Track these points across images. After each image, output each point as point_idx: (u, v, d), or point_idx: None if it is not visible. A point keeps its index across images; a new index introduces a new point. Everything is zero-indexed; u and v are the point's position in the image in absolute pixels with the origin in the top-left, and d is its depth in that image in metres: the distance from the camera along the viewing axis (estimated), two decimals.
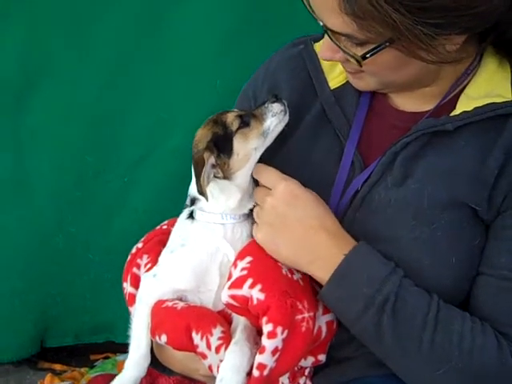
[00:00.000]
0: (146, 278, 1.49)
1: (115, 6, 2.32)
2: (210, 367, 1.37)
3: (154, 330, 1.43)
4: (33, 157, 2.49)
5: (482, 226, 1.40)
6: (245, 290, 1.35)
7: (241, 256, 1.41)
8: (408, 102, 1.49)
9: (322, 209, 1.41)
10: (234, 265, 1.41)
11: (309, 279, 1.44)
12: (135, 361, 1.44)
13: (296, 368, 1.44)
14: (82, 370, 2.70)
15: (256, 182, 1.50)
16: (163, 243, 1.54)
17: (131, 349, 1.45)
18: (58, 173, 2.50)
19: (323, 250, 1.37)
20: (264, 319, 1.32)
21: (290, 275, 1.40)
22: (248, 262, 1.39)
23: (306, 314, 1.36)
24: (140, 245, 1.61)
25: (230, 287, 1.37)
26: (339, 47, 1.33)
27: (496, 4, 1.26)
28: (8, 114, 2.44)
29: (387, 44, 1.27)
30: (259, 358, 1.31)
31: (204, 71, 2.38)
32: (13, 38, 2.34)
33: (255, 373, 1.31)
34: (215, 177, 1.42)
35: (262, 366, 1.31)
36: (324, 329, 1.42)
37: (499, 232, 1.38)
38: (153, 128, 2.47)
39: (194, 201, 1.49)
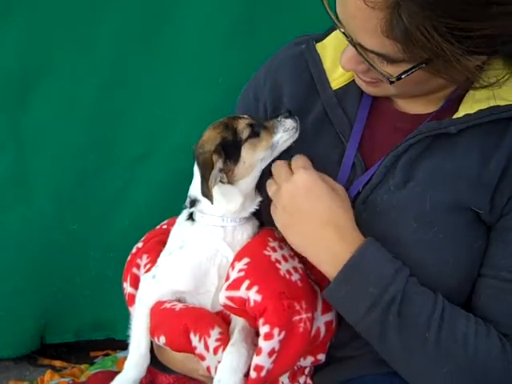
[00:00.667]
0: (145, 280, 1.49)
1: (116, 4, 2.32)
2: (208, 368, 1.38)
3: (153, 331, 1.44)
4: (33, 155, 2.49)
5: (485, 228, 1.40)
6: (242, 292, 1.35)
7: (238, 257, 1.42)
8: (412, 105, 1.49)
9: (337, 204, 1.39)
10: (232, 266, 1.41)
11: (308, 280, 1.44)
12: (135, 361, 1.45)
13: (296, 367, 1.45)
14: (82, 366, 2.70)
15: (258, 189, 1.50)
16: (163, 243, 1.55)
17: (131, 349, 1.46)
18: (59, 170, 2.50)
19: (332, 246, 1.37)
20: (261, 321, 1.33)
21: (288, 276, 1.40)
22: (245, 264, 1.39)
23: (304, 315, 1.36)
24: (140, 244, 1.61)
25: (227, 289, 1.37)
26: (370, 65, 1.31)
27: None
28: (8, 112, 2.44)
29: (423, 65, 1.26)
30: (256, 360, 1.32)
31: (206, 69, 2.37)
32: (13, 37, 2.33)
33: (252, 374, 1.32)
34: (220, 181, 1.42)
35: (259, 368, 1.32)
36: (323, 329, 1.43)
37: (501, 234, 1.39)
38: (154, 126, 2.47)
39: (194, 202, 1.49)
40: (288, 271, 1.41)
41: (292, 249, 1.44)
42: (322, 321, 1.43)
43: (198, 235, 1.47)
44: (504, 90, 1.39)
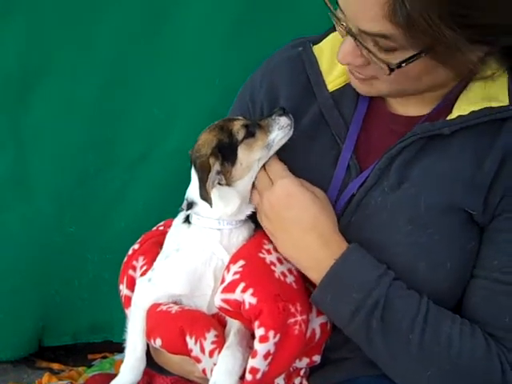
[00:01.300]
0: (141, 283, 1.49)
1: (116, 4, 2.33)
2: (204, 371, 1.38)
3: (149, 333, 1.44)
4: (33, 155, 2.49)
5: (477, 229, 1.41)
6: (237, 295, 1.35)
7: (234, 260, 1.42)
8: (406, 107, 1.50)
9: (317, 210, 1.40)
10: (227, 269, 1.41)
11: (302, 282, 1.44)
12: (131, 364, 1.45)
13: (291, 369, 1.45)
14: (80, 369, 2.70)
15: None
16: (159, 244, 1.55)
17: (127, 352, 1.46)
18: (58, 171, 2.51)
19: (315, 253, 1.39)
20: (256, 323, 1.33)
21: (282, 278, 1.40)
22: (240, 266, 1.39)
23: (299, 317, 1.36)
24: (136, 246, 1.61)
25: (222, 291, 1.38)
26: (369, 51, 1.30)
27: None
28: (8, 112, 2.45)
29: (424, 54, 1.26)
30: (252, 362, 1.32)
31: (204, 70, 2.38)
32: (13, 36, 2.35)
33: (248, 377, 1.32)
34: (219, 183, 1.42)
35: (254, 370, 1.32)
36: (318, 331, 1.43)
37: (493, 235, 1.39)
38: (153, 127, 2.48)
39: (191, 205, 1.49)
40: (283, 273, 1.41)
41: None
42: (317, 322, 1.43)
43: (194, 238, 1.47)
44: (496, 91, 1.40)
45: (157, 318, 1.43)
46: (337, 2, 1.31)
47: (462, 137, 1.39)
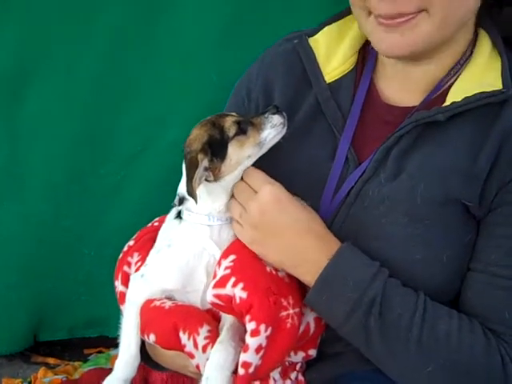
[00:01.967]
0: (134, 279, 1.50)
1: (111, 1, 2.32)
2: (197, 366, 1.39)
3: (143, 329, 1.44)
4: (28, 151, 2.48)
5: (474, 222, 1.41)
6: (228, 289, 1.36)
7: (225, 255, 1.42)
8: (399, 95, 1.50)
9: (307, 212, 1.42)
10: (219, 264, 1.41)
11: (293, 276, 1.43)
12: (125, 361, 1.45)
13: (287, 363, 1.46)
14: (76, 364, 2.70)
15: None
16: (154, 241, 1.55)
17: (121, 349, 1.47)
18: (53, 167, 2.50)
19: (310, 254, 1.38)
20: (247, 317, 1.33)
21: (274, 272, 1.41)
22: (231, 261, 1.40)
23: (291, 311, 1.37)
24: (132, 242, 1.62)
25: (214, 286, 1.38)
26: None
27: None
28: (3, 108, 2.44)
29: None
30: (243, 357, 1.33)
31: (200, 66, 2.37)
32: (8, 31, 2.33)
33: (240, 371, 1.33)
34: (206, 180, 1.42)
35: (246, 364, 1.33)
36: (312, 324, 1.43)
37: (490, 229, 1.39)
38: (148, 123, 2.47)
39: (182, 200, 1.49)
40: (274, 267, 1.41)
41: None
42: (311, 316, 1.44)
43: (185, 234, 1.47)
44: (490, 77, 1.41)
45: (150, 313, 1.43)
46: None
47: (459, 125, 1.39)
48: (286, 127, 1.47)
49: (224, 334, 1.37)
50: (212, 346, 1.35)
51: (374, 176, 1.44)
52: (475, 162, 1.37)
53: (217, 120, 1.46)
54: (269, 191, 1.40)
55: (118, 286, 1.56)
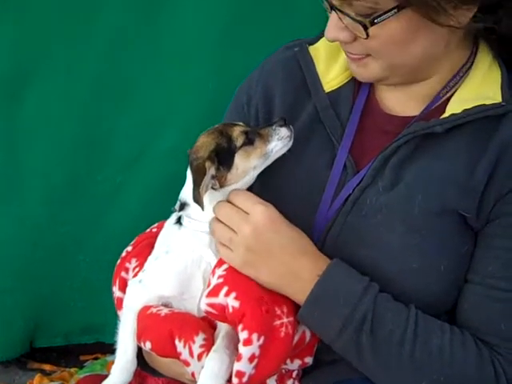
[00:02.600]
0: (132, 285, 1.50)
1: (110, 4, 2.33)
2: (193, 374, 1.38)
3: (140, 336, 1.44)
4: (25, 156, 2.49)
5: (471, 233, 1.41)
6: (221, 298, 1.36)
7: (219, 263, 1.42)
8: (399, 105, 1.50)
9: (298, 232, 1.41)
10: (213, 272, 1.41)
11: None
12: (122, 366, 1.45)
13: (283, 370, 1.46)
14: (72, 370, 2.70)
15: None
16: (152, 246, 1.55)
17: (118, 354, 1.46)
18: (51, 172, 2.51)
19: (303, 274, 1.38)
20: (240, 327, 1.33)
21: None
22: (224, 270, 1.40)
23: (285, 319, 1.37)
24: (130, 248, 1.61)
25: (207, 295, 1.38)
26: (348, 16, 1.32)
27: None
28: (1, 110, 2.44)
29: (396, 10, 1.28)
30: (237, 366, 1.32)
31: (197, 74, 2.39)
32: (7, 32, 2.34)
33: (234, 380, 1.33)
34: (212, 188, 1.42)
35: (240, 374, 1.33)
36: (308, 333, 1.43)
37: (488, 240, 1.39)
38: (145, 129, 2.48)
39: (183, 206, 1.49)
40: None
41: None
42: None
43: (184, 240, 1.47)
44: (489, 89, 1.41)
45: (147, 320, 1.43)
46: None
47: (457, 137, 1.40)
48: (292, 140, 1.47)
49: (219, 343, 1.37)
50: (207, 354, 1.35)
51: (371, 184, 1.44)
52: (472, 174, 1.37)
53: (225, 129, 1.46)
54: (261, 212, 1.39)
55: (116, 291, 1.56)
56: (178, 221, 1.50)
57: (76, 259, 2.60)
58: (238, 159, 1.44)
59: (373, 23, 1.30)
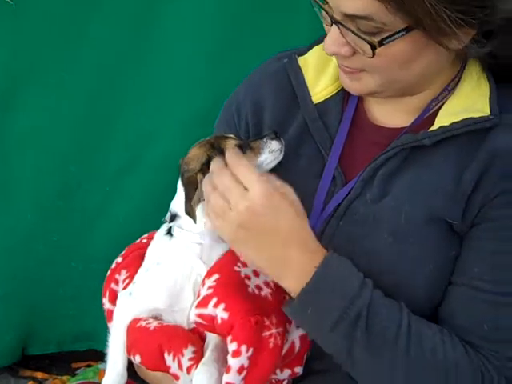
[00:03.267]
0: (121, 297, 1.50)
1: (103, 14, 2.33)
2: None
3: (129, 349, 1.44)
4: (15, 165, 2.49)
5: (458, 237, 1.42)
6: (210, 309, 1.35)
7: (209, 274, 1.42)
8: (388, 116, 1.51)
9: (299, 218, 1.37)
10: (203, 283, 1.41)
11: (279, 294, 1.42)
12: (112, 379, 1.45)
13: (273, 380, 1.46)
14: (64, 378, 2.70)
15: None
16: (142, 257, 1.55)
17: (108, 367, 1.46)
18: (41, 181, 2.51)
19: (295, 263, 1.35)
20: (229, 338, 1.33)
21: (257, 291, 1.40)
22: (214, 281, 1.39)
23: (274, 330, 1.36)
24: (120, 259, 1.61)
25: (197, 306, 1.38)
26: (353, 33, 1.31)
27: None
28: None
29: (405, 32, 1.28)
30: (226, 378, 1.32)
31: (191, 83, 2.39)
32: None
33: None
34: (204, 200, 1.42)
35: None
36: (297, 343, 1.43)
37: (474, 243, 1.40)
38: (136, 139, 2.48)
39: (174, 217, 1.50)
40: (257, 286, 1.41)
41: None
42: (296, 334, 1.43)
43: (174, 251, 1.47)
44: (478, 102, 1.42)
45: (136, 334, 1.44)
46: None
47: (445, 149, 1.41)
48: (282, 153, 1.48)
49: (208, 356, 1.38)
50: (196, 367, 1.35)
51: (360, 196, 1.45)
52: (459, 182, 1.38)
53: (216, 141, 1.47)
54: (261, 191, 1.32)
55: (106, 303, 1.56)
56: (169, 232, 1.50)
57: (67, 267, 2.60)
58: None
59: (381, 44, 1.30)
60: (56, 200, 2.53)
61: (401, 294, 1.39)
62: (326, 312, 1.34)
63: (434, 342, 1.35)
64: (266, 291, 1.41)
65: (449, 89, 1.46)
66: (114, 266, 1.60)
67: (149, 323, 1.44)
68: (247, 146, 1.47)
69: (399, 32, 1.29)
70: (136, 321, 1.45)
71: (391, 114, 1.51)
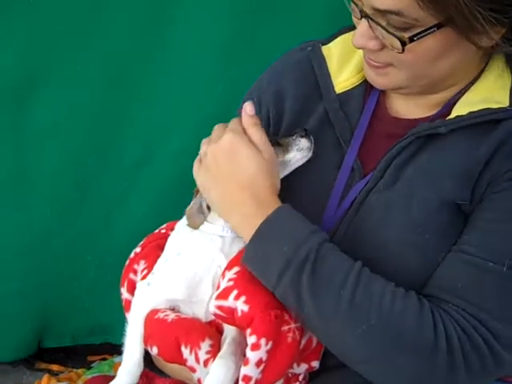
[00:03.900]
0: (140, 287, 1.50)
1: (117, 9, 2.33)
2: (199, 380, 1.38)
3: (146, 340, 1.44)
4: (32, 158, 2.49)
5: (464, 218, 1.41)
6: (230, 301, 1.35)
7: (229, 266, 1.42)
8: (409, 110, 1.51)
9: (257, 169, 1.39)
10: (223, 275, 1.41)
11: None
12: (128, 369, 1.45)
13: (289, 374, 1.45)
14: (79, 370, 2.71)
15: None
16: (161, 248, 1.55)
17: (125, 356, 1.46)
18: (58, 175, 2.51)
19: (246, 209, 1.38)
20: (248, 331, 1.33)
21: None
22: (235, 273, 1.39)
23: (293, 325, 1.36)
24: (138, 249, 1.61)
25: (216, 298, 1.38)
26: (383, 28, 1.30)
27: None
28: (8, 116, 2.44)
29: (437, 28, 1.28)
30: (244, 370, 1.32)
31: (206, 76, 2.38)
32: (14, 40, 2.34)
33: None
34: None
35: (246, 378, 1.32)
36: (315, 338, 1.42)
37: (473, 214, 1.39)
38: (153, 132, 2.48)
39: None
40: None
41: None
42: None
43: (195, 243, 1.47)
44: (497, 93, 1.41)
45: (153, 326, 1.44)
46: None
47: (458, 136, 1.40)
48: (311, 152, 1.47)
49: (225, 349, 1.37)
50: (213, 361, 1.35)
51: (376, 186, 1.45)
52: (469, 162, 1.37)
53: None
54: (228, 139, 1.40)
55: (124, 293, 1.56)
56: None
57: (83, 261, 2.61)
58: None
59: (412, 40, 1.30)
60: (73, 193, 2.53)
61: (414, 286, 1.37)
62: (274, 258, 1.34)
63: (383, 291, 1.32)
64: None
65: (472, 82, 1.46)
66: (132, 255, 1.60)
67: (167, 315, 1.43)
68: (275, 143, 1.46)
69: (430, 28, 1.28)
70: (154, 312, 1.45)
71: (412, 108, 1.50)
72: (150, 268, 1.53)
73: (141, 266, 1.56)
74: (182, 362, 1.38)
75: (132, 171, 2.52)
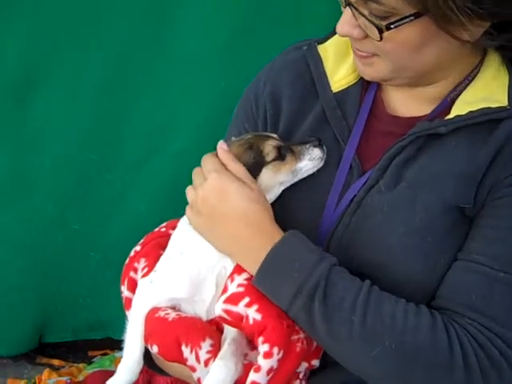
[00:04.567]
0: (142, 284, 1.49)
1: (118, 7, 2.33)
2: (198, 380, 1.39)
3: (147, 339, 1.44)
4: (35, 154, 2.51)
5: (468, 223, 1.40)
6: (240, 308, 1.36)
7: (239, 270, 1.42)
8: (406, 106, 1.50)
9: (249, 200, 1.40)
10: (231, 278, 1.41)
11: None
12: (128, 366, 1.45)
13: None
14: (80, 365, 2.72)
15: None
16: (161, 246, 1.55)
17: (125, 353, 1.47)
18: (61, 170, 2.52)
19: (247, 242, 1.39)
20: (260, 339, 1.33)
21: None
22: (245, 279, 1.39)
23: (302, 335, 1.38)
24: (138, 248, 1.60)
25: (225, 301, 1.38)
26: (363, 15, 1.31)
27: None
28: (11, 112, 2.46)
29: (414, 18, 1.28)
30: (253, 376, 1.33)
31: (208, 73, 2.39)
32: (15, 37, 2.35)
33: None
34: None
35: None
36: None
37: (477, 220, 1.39)
38: (156, 129, 2.48)
39: None
40: None
41: None
42: None
43: (199, 241, 1.46)
44: (496, 92, 1.41)
45: (154, 324, 1.43)
46: None
47: (458, 136, 1.40)
48: (323, 162, 1.47)
49: (225, 349, 1.37)
50: (214, 360, 1.35)
51: (376, 185, 1.44)
52: (472, 164, 1.37)
53: (256, 142, 1.46)
54: (214, 179, 1.40)
55: (124, 291, 1.56)
56: None
57: (85, 256, 2.62)
58: (265, 173, 1.44)
59: (389, 28, 1.30)
60: (75, 189, 2.54)
61: (418, 290, 1.38)
62: (285, 285, 1.35)
63: (394, 311, 1.33)
64: None
65: (469, 79, 1.45)
66: (132, 254, 1.60)
67: (167, 314, 1.43)
68: (288, 149, 1.46)
69: (407, 17, 1.28)
70: (155, 311, 1.45)
71: (408, 104, 1.50)
72: (150, 266, 1.52)
73: (141, 264, 1.56)
74: (183, 361, 1.38)
75: (134, 168, 2.53)
